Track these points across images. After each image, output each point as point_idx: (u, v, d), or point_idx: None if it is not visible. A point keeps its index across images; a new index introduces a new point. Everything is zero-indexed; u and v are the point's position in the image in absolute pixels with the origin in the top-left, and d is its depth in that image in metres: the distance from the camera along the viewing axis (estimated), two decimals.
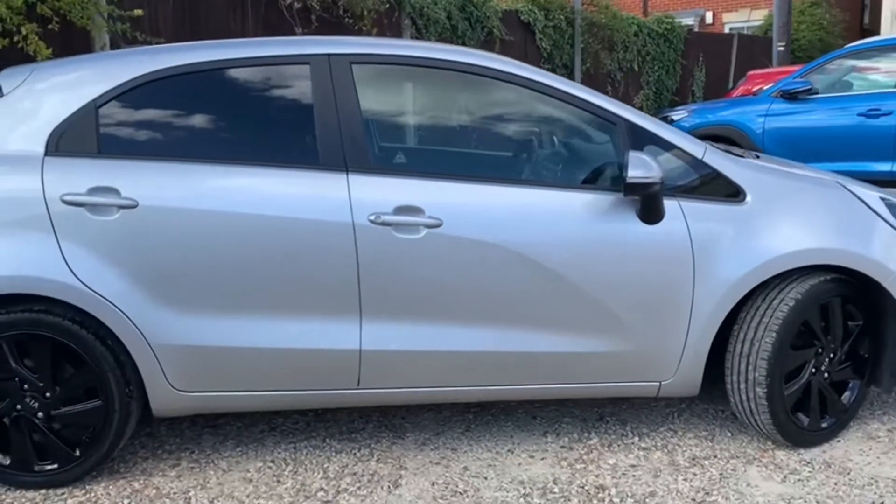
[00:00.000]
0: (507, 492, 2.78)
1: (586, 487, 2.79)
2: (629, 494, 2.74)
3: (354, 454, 3.05)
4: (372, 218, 2.74)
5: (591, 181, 2.95)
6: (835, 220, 3.00)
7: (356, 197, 2.75)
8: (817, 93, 7.58)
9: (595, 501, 2.70)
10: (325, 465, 2.97)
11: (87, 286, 2.68)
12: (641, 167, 2.68)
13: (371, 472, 2.91)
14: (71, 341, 2.72)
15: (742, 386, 2.96)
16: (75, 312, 2.71)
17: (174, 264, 2.72)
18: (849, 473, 2.84)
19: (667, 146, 2.91)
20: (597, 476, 2.87)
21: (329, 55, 2.87)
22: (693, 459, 2.97)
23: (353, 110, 2.82)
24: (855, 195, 3.10)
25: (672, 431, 3.20)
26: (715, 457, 2.99)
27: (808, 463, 2.92)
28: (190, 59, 2.84)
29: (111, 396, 2.77)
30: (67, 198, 2.67)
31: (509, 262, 2.80)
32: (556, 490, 2.78)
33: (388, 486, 2.82)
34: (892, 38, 8.48)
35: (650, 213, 2.82)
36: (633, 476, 2.86)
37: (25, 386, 2.74)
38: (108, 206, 2.69)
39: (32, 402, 2.76)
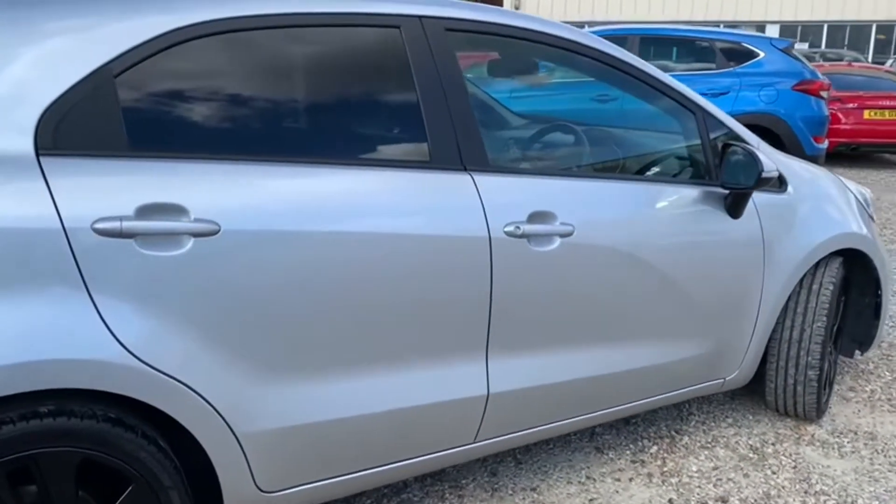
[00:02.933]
0: None
1: (705, 501, 2.62)
2: (746, 501, 2.62)
3: None
4: (509, 229, 2.18)
5: (682, 175, 2.72)
6: (845, 206, 3.19)
7: (489, 204, 2.16)
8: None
9: None
10: None
11: (143, 362, 1.71)
12: (766, 161, 2.54)
13: None
14: (109, 453, 1.71)
15: (791, 370, 3.02)
16: (110, 406, 1.72)
17: (266, 312, 1.87)
18: (875, 438, 3.09)
19: (736, 137, 2.81)
20: (700, 487, 2.70)
21: (421, 17, 2.19)
22: (755, 450, 2.97)
23: (461, 92, 2.20)
24: (841, 181, 3.35)
25: (705, 425, 3.15)
26: (772, 444, 3.01)
27: (842, 434, 3.11)
28: (248, 10, 1.94)
29: None
30: (104, 225, 1.66)
31: (631, 269, 2.47)
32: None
33: None
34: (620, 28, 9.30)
35: (740, 207, 2.70)
36: (729, 478, 2.76)
37: None
38: (175, 235, 1.73)
39: None
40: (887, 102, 10.97)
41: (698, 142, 2.70)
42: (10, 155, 1.63)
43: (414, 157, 2.12)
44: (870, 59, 19.11)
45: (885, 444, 3.04)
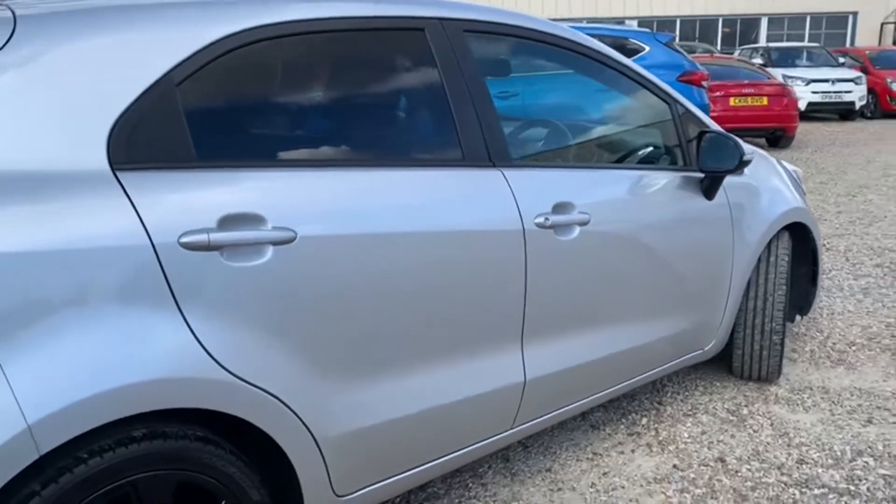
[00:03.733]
0: (643, 488, 2.64)
1: (706, 462, 2.82)
2: (742, 458, 2.85)
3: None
4: (539, 221, 2.28)
5: (664, 162, 2.90)
6: (788, 183, 3.49)
7: (520, 197, 2.24)
8: None
9: (724, 471, 2.75)
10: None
11: (236, 376, 1.68)
12: (745, 146, 2.76)
13: None
14: (203, 473, 1.68)
15: (758, 337, 3.29)
16: (193, 424, 1.69)
17: (340, 318, 1.88)
18: (828, 392, 3.42)
19: (701, 123, 3.02)
20: (696, 451, 2.90)
21: (442, 20, 2.24)
22: (733, 412, 3.21)
23: (483, 91, 2.27)
24: (777, 160, 3.66)
25: (681, 396, 3.37)
26: (745, 406, 3.26)
27: (801, 391, 3.41)
28: (294, 15, 1.93)
29: None
30: (190, 239, 1.62)
31: (634, 252, 2.64)
32: (684, 472, 2.74)
33: None
34: None
35: (714, 189, 2.92)
36: (719, 440, 2.98)
37: None
38: (256, 244, 1.71)
39: None
40: (749, 90, 11.89)
41: (674, 131, 2.90)
42: (88, 171, 1.57)
43: (450, 156, 2.18)
44: (718, 50, 20.57)
45: (839, 395, 3.37)
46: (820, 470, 2.77)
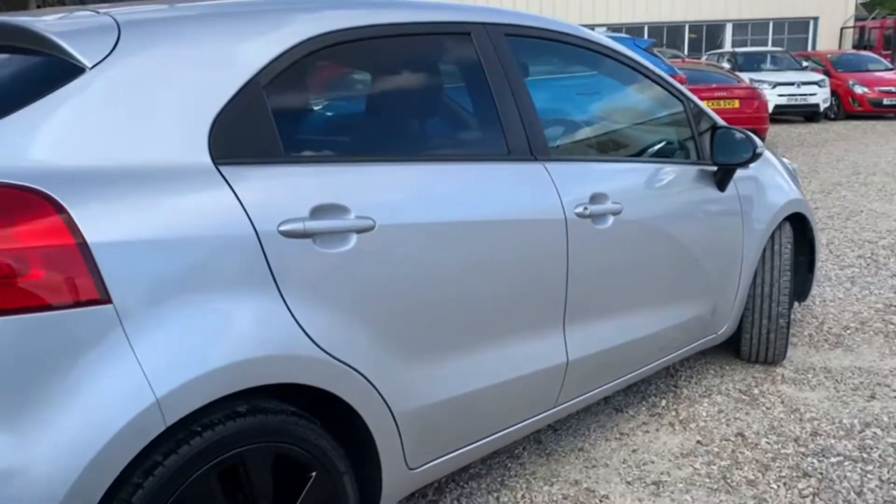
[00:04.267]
0: (672, 462, 2.81)
1: (727, 437, 3.00)
2: (759, 433, 3.03)
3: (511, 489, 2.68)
4: (578, 210, 2.44)
5: (681, 156, 3.08)
6: (788, 176, 3.70)
7: (561, 189, 2.40)
8: None
9: (745, 445, 2.93)
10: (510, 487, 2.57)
11: (329, 354, 1.82)
12: (757, 140, 2.95)
13: (557, 492, 2.63)
14: (298, 446, 1.80)
15: (765, 322, 3.49)
16: (292, 400, 1.81)
17: (412, 299, 2.03)
18: (830, 371, 3.62)
19: (711, 119, 3.21)
20: (716, 428, 3.08)
21: (485, 24, 2.39)
22: (745, 392, 3.40)
23: (523, 89, 2.43)
24: (776, 155, 3.87)
25: (694, 379, 3.56)
26: (755, 386, 3.46)
27: (805, 372, 3.62)
28: (362, 20, 2.07)
29: None
30: (288, 227, 1.76)
31: (660, 240, 2.81)
32: (707, 447, 2.92)
33: (596, 502, 2.58)
34: None
35: (727, 181, 3.11)
36: (736, 417, 3.16)
37: None
38: (342, 233, 1.85)
39: None
40: (721, 93, 12.22)
41: (688, 127, 3.09)
42: (196, 166, 1.70)
43: (497, 150, 2.33)
44: (686, 55, 21.02)
45: (841, 374, 3.57)
46: (833, 441, 2.96)
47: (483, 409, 2.28)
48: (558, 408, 2.59)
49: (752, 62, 18.31)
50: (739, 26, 23.96)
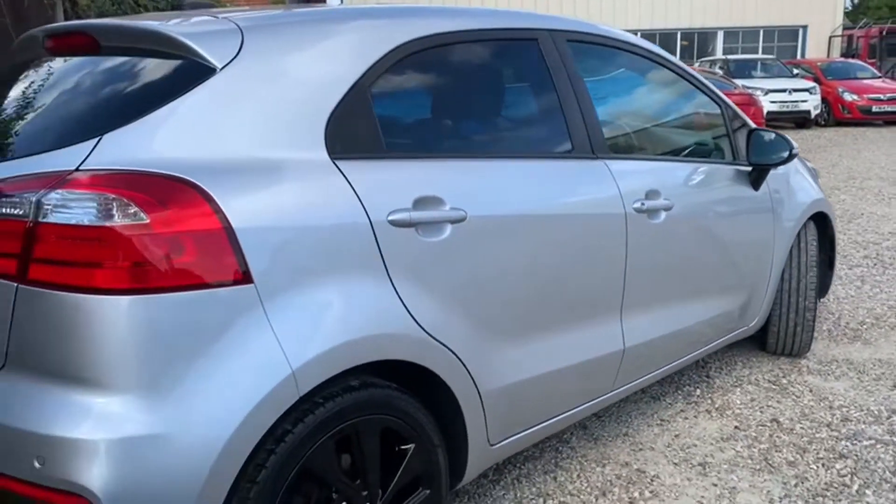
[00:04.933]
0: (714, 445, 2.97)
1: (763, 423, 3.17)
2: (793, 419, 3.20)
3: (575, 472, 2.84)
4: (637, 206, 2.61)
5: (718, 156, 3.25)
6: (811, 176, 3.89)
7: (622, 185, 2.57)
8: None
9: (781, 430, 3.10)
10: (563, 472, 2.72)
11: (429, 334, 1.97)
12: (793, 141, 3.13)
13: (613, 475, 2.80)
14: (401, 419, 1.95)
15: (792, 315, 3.66)
16: (393, 377, 1.96)
17: (496, 285, 2.19)
18: (852, 363, 3.80)
19: (745, 122, 3.39)
20: (751, 414, 3.25)
21: (550, 31, 2.55)
22: (774, 383, 3.57)
23: (584, 91, 2.59)
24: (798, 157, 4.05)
25: (724, 370, 3.73)
26: (783, 377, 3.63)
27: (828, 364, 3.80)
28: (445, 27, 2.22)
29: (438, 480, 2.07)
30: (396, 217, 1.90)
31: (704, 234, 2.99)
32: (745, 431, 3.08)
33: (648, 481, 2.74)
34: None
35: (761, 180, 3.29)
36: (768, 405, 3.33)
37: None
38: (439, 223, 2.00)
39: None
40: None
41: (725, 129, 3.26)
42: (316, 160, 1.84)
43: (563, 149, 2.49)
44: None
45: (863, 366, 3.76)
46: (863, 426, 3.14)
47: (554, 389, 2.44)
48: (613, 392, 2.75)
49: (744, 69, 18.61)
50: (730, 34, 24.31)
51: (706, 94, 3.21)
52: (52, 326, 1.55)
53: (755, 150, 3.21)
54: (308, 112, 1.87)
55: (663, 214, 2.73)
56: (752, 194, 3.29)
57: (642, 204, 2.62)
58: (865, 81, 18.71)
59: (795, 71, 18.82)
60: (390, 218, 1.90)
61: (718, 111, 3.26)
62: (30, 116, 1.91)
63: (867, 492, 2.66)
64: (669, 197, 2.76)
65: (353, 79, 1.97)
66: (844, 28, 24.85)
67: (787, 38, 24.33)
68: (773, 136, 3.18)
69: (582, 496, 2.66)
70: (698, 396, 3.46)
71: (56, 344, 1.56)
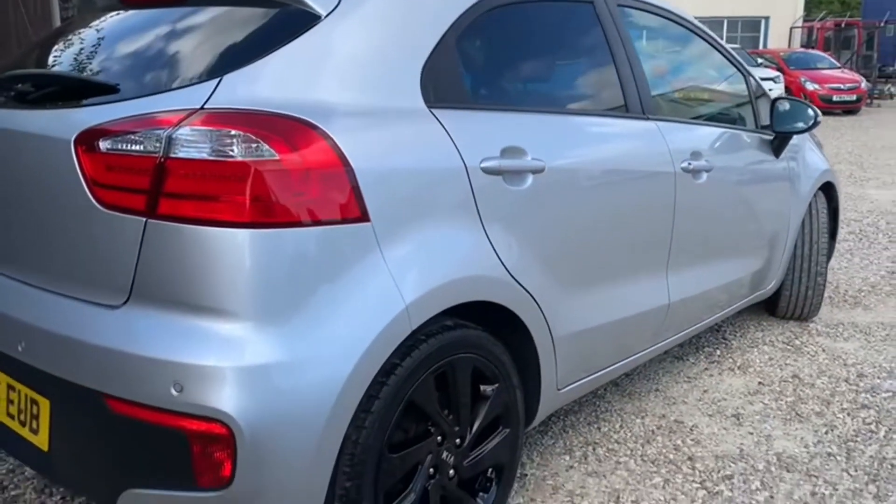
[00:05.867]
0: (742, 399, 3.12)
1: (785, 379, 3.32)
2: (812, 375, 3.36)
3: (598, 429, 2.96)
4: (684, 165, 2.72)
5: (744, 123, 3.37)
6: (819, 148, 4.05)
7: (671, 145, 2.67)
8: None
9: (803, 385, 3.26)
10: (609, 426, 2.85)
11: (515, 279, 2.05)
12: (816, 109, 3.27)
13: (650, 426, 2.92)
14: (487, 359, 2.03)
15: (805, 279, 3.82)
16: (480, 319, 2.04)
17: (569, 235, 2.28)
18: (858, 326, 3.99)
19: (765, 91, 3.52)
20: (772, 371, 3.40)
21: None
22: (788, 343, 3.74)
23: (635, 54, 2.68)
24: None
25: (739, 333, 3.88)
26: (796, 338, 3.80)
27: (835, 326, 3.97)
28: None
29: (517, 420, 2.16)
30: (487, 164, 1.98)
31: (737, 196, 3.13)
32: (770, 387, 3.23)
33: (687, 430, 2.87)
34: None
35: (783, 148, 3.43)
36: (787, 363, 3.49)
37: (440, 437, 1.95)
38: (522, 172, 2.08)
39: (448, 456, 1.98)
40: None
41: (750, 99, 3.39)
42: (415, 108, 1.90)
43: (618, 108, 2.58)
44: None
45: (868, 328, 3.95)
46: (878, 381, 3.31)
47: (611, 339, 2.55)
48: (659, 344, 2.87)
49: None
50: None
51: (734, 65, 3.34)
52: (184, 259, 1.58)
53: (779, 118, 3.34)
54: (405, 61, 1.92)
55: (704, 175, 2.85)
56: (774, 161, 3.43)
57: (689, 164, 2.73)
58: (826, 72, 19.24)
59: (759, 60, 19.24)
60: (482, 165, 1.97)
61: (744, 81, 3.39)
62: (139, 59, 1.92)
63: (894, 437, 2.83)
64: (709, 159, 2.88)
65: (442, 30, 2.03)
66: (805, 20, 25.49)
67: (749, 29, 24.87)
68: (795, 104, 3.32)
69: (628, 444, 2.77)
70: (719, 356, 3.60)
71: (189, 277, 1.58)
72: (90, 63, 2.03)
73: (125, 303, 1.66)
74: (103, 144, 1.63)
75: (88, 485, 1.78)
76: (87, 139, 1.66)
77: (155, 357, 1.59)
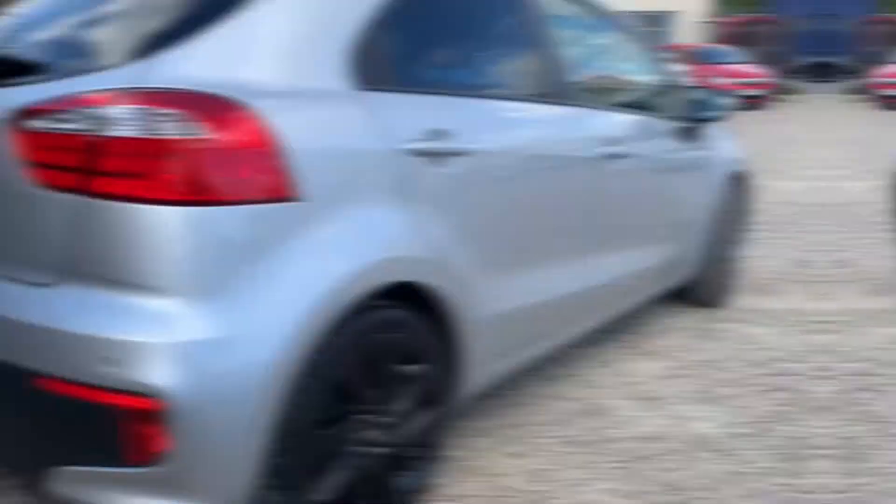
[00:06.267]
0: (658, 382, 3.14)
1: (699, 363, 3.37)
2: (725, 359, 3.42)
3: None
4: (602, 151, 2.74)
5: (661, 111, 3.38)
6: (729, 138, 4.13)
7: (588, 130, 2.68)
8: None
9: (716, 368, 3.32)
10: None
11: (438, 260, 2.00)
12: (727, 99, 3.33)
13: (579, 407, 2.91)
14: (413, 339, 2.01)
15: (716, 266, 3.91)
16: (406, 300, 1.98)
17: (491, 218, 2.23)
18: (766, 312, 4.10)
19: (682, 81, 3.56)
20: (685, 355, 3.45)
21: None
22: (701, 329, 3.80)
23: (557, 40, 2.66)
24: None
25: (654, 319, 3.92)
26: (708, 323, 3.87)
27: (746, 312, 4.07)
28: None
29: (441, 399, 2.16)
30: (411, 146, 1.93)
31: (654, 183, 3.15)
32: (684, 371, 3.28)
33: (606, 413, 2.87)
34: None
35: (695, 135, 3.48)
36: (700, 347, 3.55)
37: (367, 415, 1.92)
38: (445, 154, 2.03)
39: (374, 434, 1.96)
40: None
41: (665, 87, 3.42)
42: (343, 91, 1.85)
43: (541, 92, 2.55)
44: None
45: (775, 314, 4.06)
46: (789, 364, 3.39)
47: (533, 321, 2.52)
48: (576, 329, 2.86)
49: None
50: None
51: (651, 55, 3.36)
52: (116, 237, 1.54)
53: (692, 107, 3.39)
54: (331, 43, 1.87)
55: (623, 161, 2.84)
56: (687, 149, 3.47)
57: (605, 150, 2.72)
58: (733, 67, 19.93)
59: (666, 55, 19.79)
60: (406, 147, 1.91)
61: (661, 71, 3.42)
62: (73, 38, 1.90)
63: (806, 416, 2.90)
64: (625, 146, 2.88)
65: (368, 12, 1.95)
66: (712, 16, 26.34)
67: (657, 24, 25.50)
68: (708, 93, 3.38)
69: (548, 427, 2.75)
70: (634, 342, 3.62)
71: (120, 254, 1.55)
72: (23, 42, 2.01)
73: (56, 281, 1.59)
74: (35, 124, 1.58)
75: (19, 462, 1.73)
76: (20, 118, 1.60)
77: (84, 333, 1.53)
